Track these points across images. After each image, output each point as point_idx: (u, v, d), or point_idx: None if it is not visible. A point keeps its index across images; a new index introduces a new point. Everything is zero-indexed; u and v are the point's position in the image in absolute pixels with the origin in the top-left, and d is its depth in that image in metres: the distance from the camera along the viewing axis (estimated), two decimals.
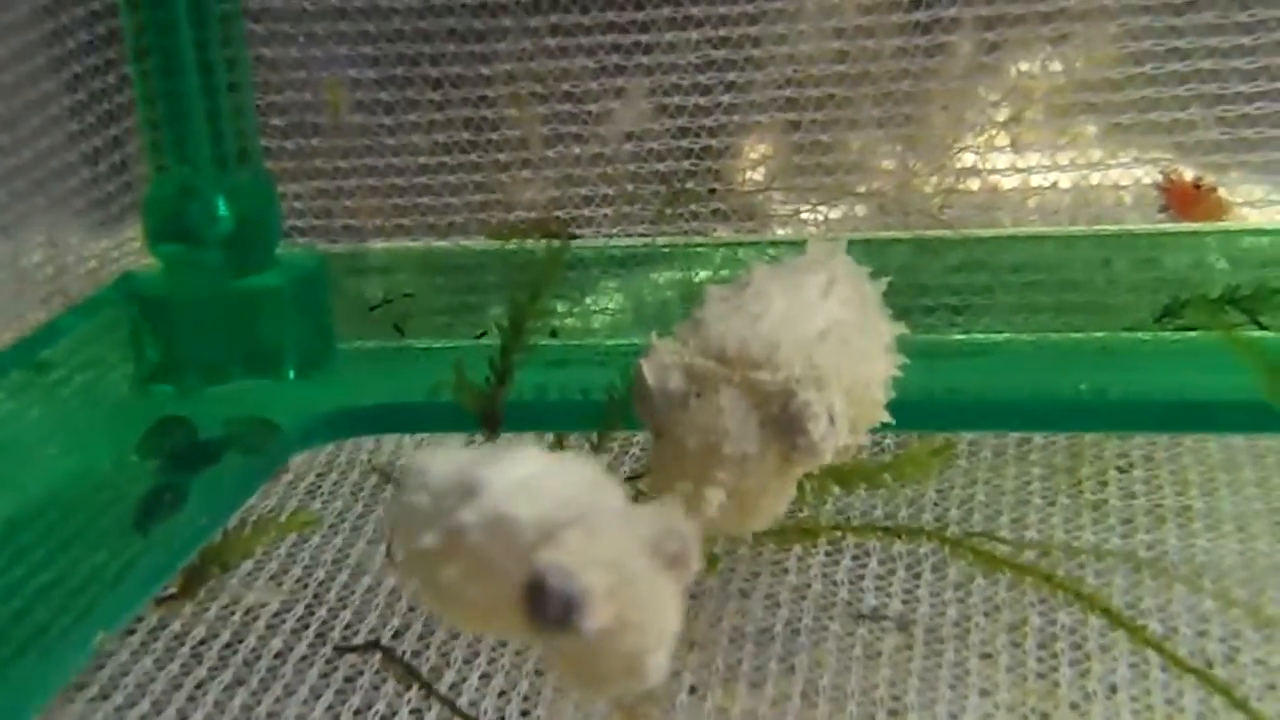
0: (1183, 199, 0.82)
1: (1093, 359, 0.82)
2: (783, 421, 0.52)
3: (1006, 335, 0.84)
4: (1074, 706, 0.57)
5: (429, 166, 0.89)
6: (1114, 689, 0.57)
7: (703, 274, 0.89)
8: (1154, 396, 0.78)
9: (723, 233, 0.88)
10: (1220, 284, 0.80)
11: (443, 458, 0.49)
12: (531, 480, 0.45)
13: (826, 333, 0.55)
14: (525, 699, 0.61)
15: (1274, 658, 0.58)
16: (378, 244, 0.91)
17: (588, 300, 0.90)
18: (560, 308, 0.89)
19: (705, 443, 0.52)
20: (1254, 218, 0.83)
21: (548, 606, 0.42)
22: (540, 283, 0.77)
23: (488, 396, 0.76)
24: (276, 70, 0.88)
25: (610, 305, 0.90)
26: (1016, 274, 0.85)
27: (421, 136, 0.89)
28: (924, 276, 0.85)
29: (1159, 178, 0.82)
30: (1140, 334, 0.83)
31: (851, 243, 0.66)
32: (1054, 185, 0.85)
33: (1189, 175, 0.82)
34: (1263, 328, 0.80)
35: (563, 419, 0.80)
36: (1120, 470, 0.73)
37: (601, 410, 0.73)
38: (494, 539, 0.44)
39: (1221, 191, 0.82)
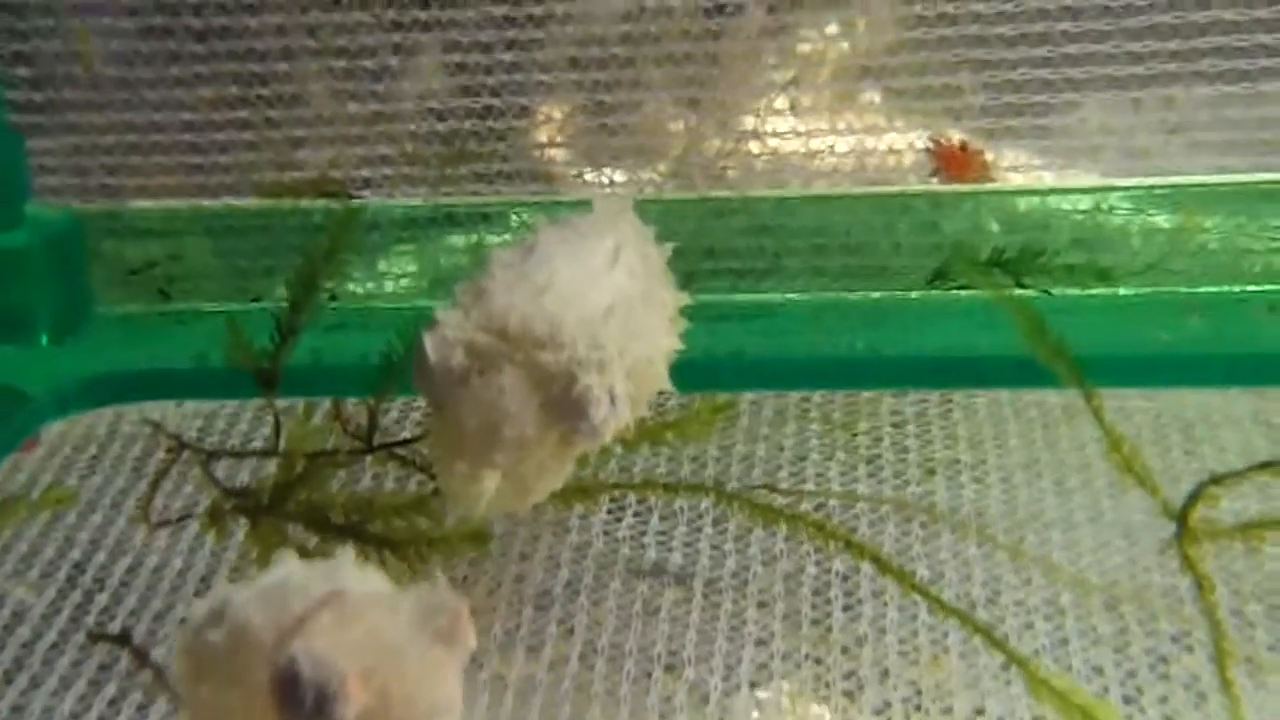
0: (950, 161, 0.84)
1: (869, 319, 0.83)
2: (564, 405, 0.51)
3: (788, 296, 0.85)
4: (844, 650, 0.58)
5: (194, 123, 0.85)
6: (883, 631, 0.59)
7: (491, 238, 0.87)
8: (926, 354, 0.80)
9: (511, 194, 0.86)
10: (991, 245, 0.83)
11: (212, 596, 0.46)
12: (275, 584, 0.44)
13: (611, 309, 0.54)
14: None
15: (1032, 598, 0.60)
16: (140, 204, 0.86)
17: (380, 265, 0.87)
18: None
19: (485, 423, 0.52)
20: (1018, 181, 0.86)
21: (300, 698, 0.39)
22: (334, 242, 0.73)
23: (266, 356, 0.73)
24: (21, 16, 0.82)
25: (397, 270, 0.88)
26: (798, 236, 0.86)
27: (185, 91, 0.84)
28: (709, 239, 0.85)
29: (929, 143, 0.85)
30: (914, 294, 0.85)
31: (638, 203, 0.66)
32: (833, 149, 0.86)
33: (957, 139, 0.84)
34: (1025, 289, 0.83)
35: (340, 384, 0.77)
36: (895, 426, 0.75)
37: (379, 375, 0.71)
38: (237, 651, 0.42)
39: (988, 156, 0.84)
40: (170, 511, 0.71)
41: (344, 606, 0.41)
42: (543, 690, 0.57)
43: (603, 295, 0.55)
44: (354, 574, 0.45)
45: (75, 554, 0.68)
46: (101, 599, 0.64)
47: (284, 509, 0.66)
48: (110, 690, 0.58)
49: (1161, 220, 0.84)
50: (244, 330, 0.72)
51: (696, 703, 0.56)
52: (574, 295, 0.54)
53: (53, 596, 0.65)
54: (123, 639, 0.62)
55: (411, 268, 0.88)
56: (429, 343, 0.53)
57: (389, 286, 0.87)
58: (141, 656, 0.61)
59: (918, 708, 0.55)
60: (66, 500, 0.71)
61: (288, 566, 0.46)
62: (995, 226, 0.86)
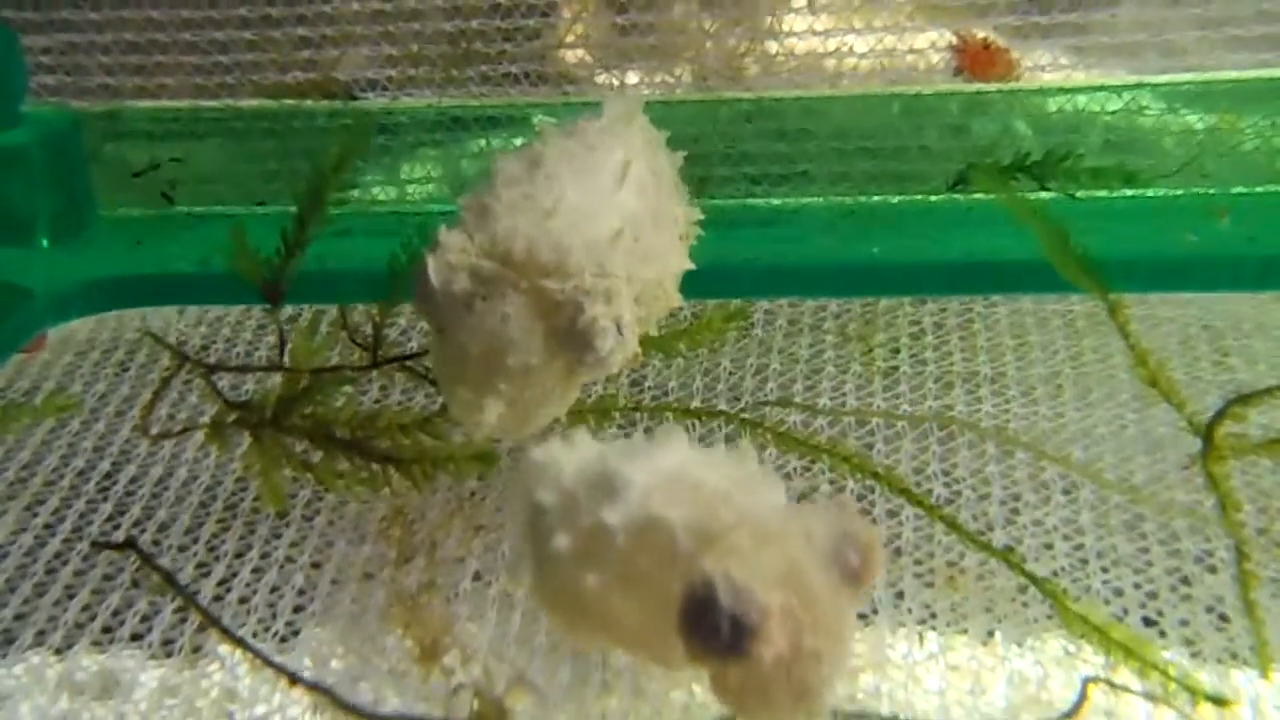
0: (975, 60, 0.81)
1: (889, 224, 0.81)
2: (570, 335, 0.50)
3: (805, 201, 0.83)
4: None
5: (193, 21, 0.82)
6: (899, 553, 0.58)
7: (497, 142, 0.84)
8: (946, 259, 0.77)
9: (522, 96, 0.84)
10: (1017, 148, 0.80)
11: (572, 450, 0.44)
12: (681, 475, 0.40)
13: (619, 232, 0.53)
14: (301, 592, 0.59)
15: (1050, 518, 0.59)
16: (141, 104, 0.84)
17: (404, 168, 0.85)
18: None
19: (489, 350, 0.50)
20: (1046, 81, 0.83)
21: (717, 627, 0.36)
22: (344, 152, 0.71)
23: (272, 267, 0.71)
24: None
25: (417, 173, 0.85)
26: (816, 140, 0.83)
27: None
28: (725, 142, 0.83)
29: (953, 40, 0.81)
30: (935, 199, 0.82)
31: (650, 105, 0.64)
32: (853, 49, 0.83)
33: (981, 37, 0.81)
34: (1050, 193, 0.81)
35: (347, 290, 0.76)
36: (913, 337, 0.73)
37: (383, 283, 0.69)
38: (644, 544, 0.38)
39: (1015, 54, 0.81)
40: (175, 422, 0.70)
41: (762, 526, 0.37)
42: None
43: (611, 217, 0.53)
44: (758, 473, 0.40)
45: (79, 463, 0.67)
46: (105, 508, 0.64)
47: (288, 423, 0.65)
48: (113, 600, 0.58)
49: (1195, 120, 0.81)
50: (248, 238, 0.70)
51: None
52: (581, 218, 0.52)
53: (55, 505, 0.64)
54: (128, 544, 0.61)
55: (419, 173, 0.85)
56: (431, 266, 0.51)
57: (393, 192, 0.85)
58: (148, 560, 0.60)
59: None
60: (70, 407, 0.70)
61: (679, 449, 0.41)
62: (1022, 128, 0.83)
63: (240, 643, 0.56)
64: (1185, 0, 0.79)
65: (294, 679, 0.54)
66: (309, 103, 0.83)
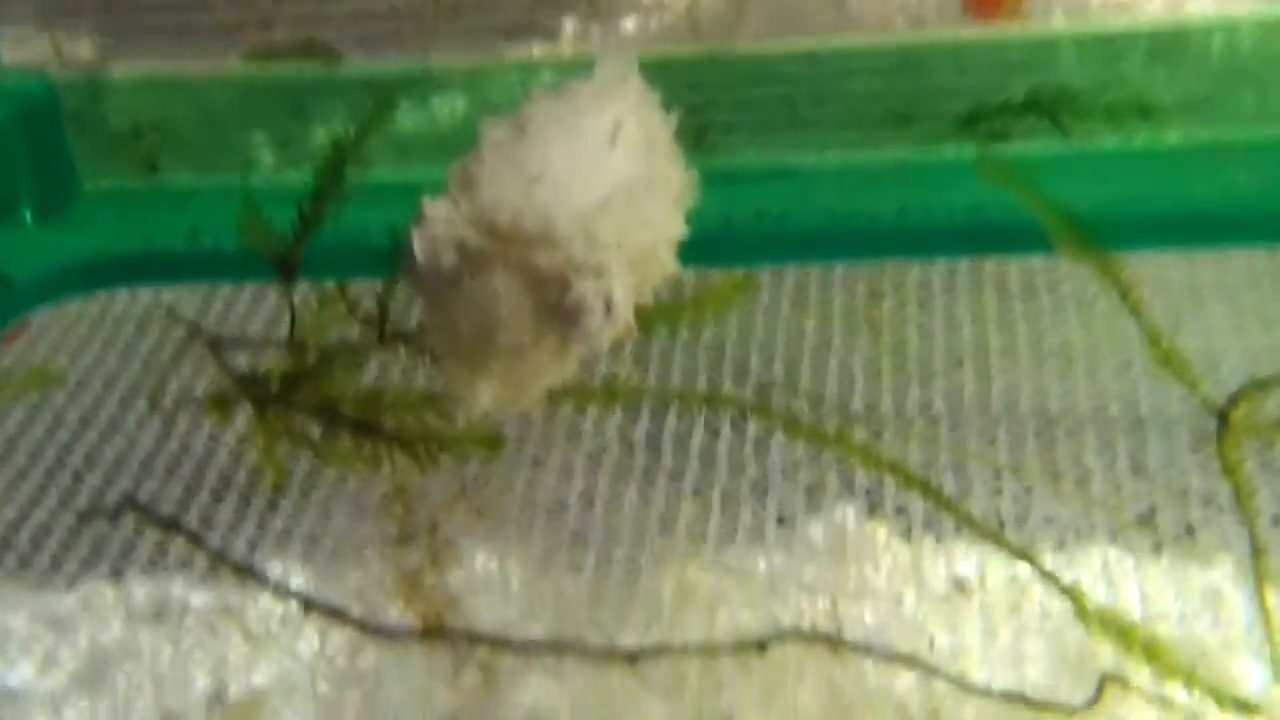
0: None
1: (897, 178, 0.78)
2: (558, 311, 0.48)
3: (808, 156, 0.80)
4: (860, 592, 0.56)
5: None
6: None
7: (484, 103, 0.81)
8: (956, 218, 0.75)
9: (508, 51, 0.81)
10: (1025, 89, 0.77)
11: None
12: None
13: (609, 199, 0.50)
14: (310, 540, 0.58)
15: (1063, 513, 0.58)
16: (119, 69, 0.81)
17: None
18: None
19: (479, 327, 0.49)
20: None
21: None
22: (364, 126, 0.68)
23: (285, 241, 0.68)
24: None
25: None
26: (818, 89, 0.80)
27: None
28: (721, 94, 0.80)
29: None
30: (943, 148, 0.80)
31: (644, 61, 0.61)
32: None
33: None
34: (1065, 132, 0.78)
35: (348, 264, 0.73)
36: (920, 305, 0.71)
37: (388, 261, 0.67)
38: None
39: None
40: (167, 396, 0.69)
41: None
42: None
43: (601, 182, 0.51)
44: None
45: (64, 434, 0.66)
46: (92, 479, 0.63)
47: (293, 399, 0.64)
48: (103, 568, 0.58)
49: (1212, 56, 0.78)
50: (260, 210, 0.67)
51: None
52: (569, 184, 0.50)
53: (40, 477, 0.63)
54: (127, 501, 0.61)
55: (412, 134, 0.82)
56: (417, 242, 0.49)
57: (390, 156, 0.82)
58: (143, 510, 0.60)
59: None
60: (55, 381, 0.68)
61: None
62: (1030, 69, 0.80)
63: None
64: None
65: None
66: (291, 63, 0.80)
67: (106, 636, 0.56)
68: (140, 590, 0.58)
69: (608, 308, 0.49)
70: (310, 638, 0.56)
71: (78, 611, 0.57)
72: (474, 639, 0.56)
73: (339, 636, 0.56)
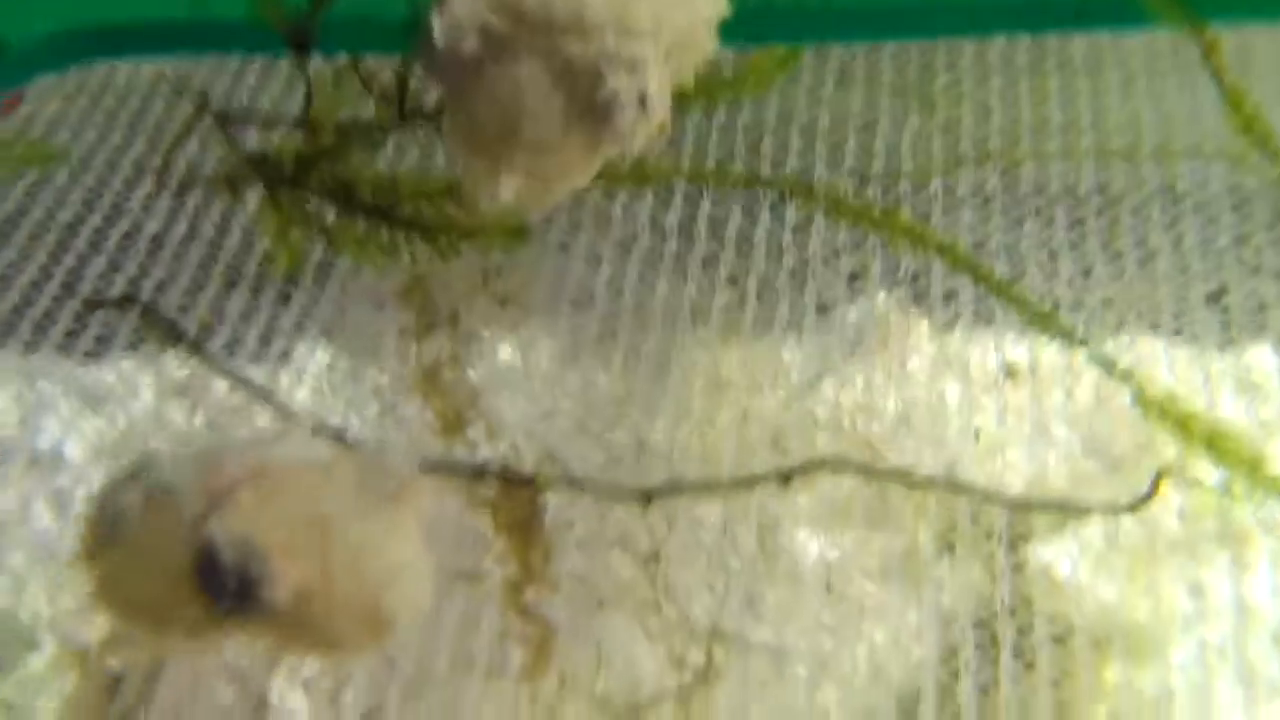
0: None
1: None
2: (589, 107, 0.45)
3: None
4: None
5: None
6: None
7: None
8: None
9: None
10: None
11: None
12: (213, 450, 0.39)
13: None
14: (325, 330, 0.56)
15: (1121, 297, 0.54)
16: None
17: None
18: None
19: (502, 119, 0.46)
20: None
21: (222, 583, 0.35)
22: None
23: (300, 13, 0.64)
24: None
25: None
26: None
27: None
28: None
29: None
30: None
31: None
32: None
33: None
34: None
35: (363, 37, 0.69)
36: (977, 82, 0.66)
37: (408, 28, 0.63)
38: (155, 514, 0.37)
39: None
40: (172, 174, 0.66)
41: (268, 480, 0.37)
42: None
43: None
44: (298, 445, 0.40)
45: (66, 216, 0.63)
46: (98, 264, 0.60)
47: (307, 181, 0.61)
48: (111, 356, 0.56)
49: None
50: None
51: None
52: None
53: (43, 261, 0.61)
54: (128, 299, 0.59)
55: None
56: (437, 26, 0.46)
57: None
58: (152, 314, 0.58)
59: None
60: (55, 158, 0.65)
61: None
62: None
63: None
64: None
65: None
66: None
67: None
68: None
69: (642, 104, 0.45)
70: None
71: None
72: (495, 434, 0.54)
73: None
